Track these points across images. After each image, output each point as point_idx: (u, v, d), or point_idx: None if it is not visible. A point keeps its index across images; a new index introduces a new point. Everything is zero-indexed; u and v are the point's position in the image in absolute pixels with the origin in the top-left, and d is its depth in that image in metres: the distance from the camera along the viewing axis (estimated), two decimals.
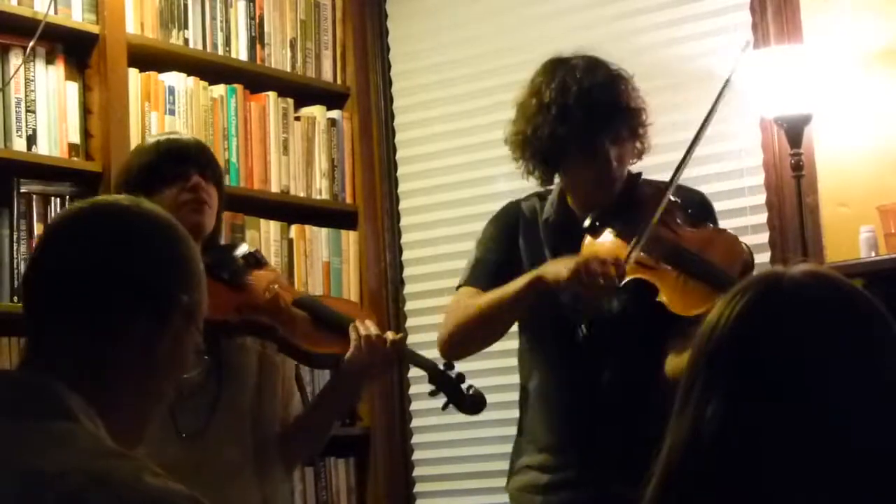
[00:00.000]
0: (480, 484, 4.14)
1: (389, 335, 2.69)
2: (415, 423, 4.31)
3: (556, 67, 2.84)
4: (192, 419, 2.61)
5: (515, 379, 4.01)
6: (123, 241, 1.55)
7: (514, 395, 3.95)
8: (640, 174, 2.91)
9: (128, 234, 1.56)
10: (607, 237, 2.79)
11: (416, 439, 4.32)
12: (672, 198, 2.80)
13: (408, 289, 4.37)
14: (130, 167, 2.74)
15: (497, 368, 3.99)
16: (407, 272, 4.38)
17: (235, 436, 2.65)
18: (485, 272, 2.90)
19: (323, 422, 2.80)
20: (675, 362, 2.67)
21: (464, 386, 2.74)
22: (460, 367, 2.82)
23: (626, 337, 2.79)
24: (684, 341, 2.61)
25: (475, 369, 4.11)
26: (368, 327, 2.67)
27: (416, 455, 4.32)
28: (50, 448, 1.39)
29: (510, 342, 3.12)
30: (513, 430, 3.09)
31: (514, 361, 3.97)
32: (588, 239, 2.79)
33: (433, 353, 4.12)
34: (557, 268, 2.70)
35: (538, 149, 2.83)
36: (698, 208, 2.87)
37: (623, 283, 2.67)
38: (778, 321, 1.35)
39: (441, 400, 2.80)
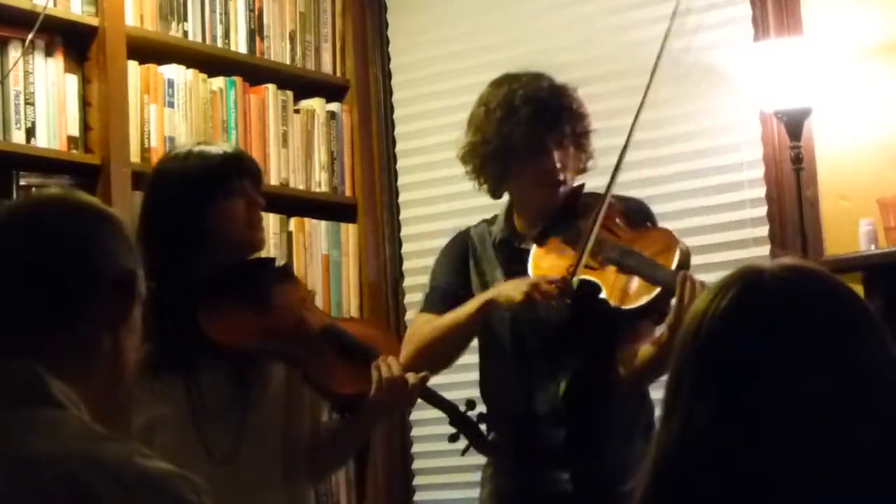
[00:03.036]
0: (479, 476, 4.14)
1: (411, 377, 2.65)
2: (414, 416, 4.30)
3: (503, 81, 3.02)
4: (223, 443, 2.58)
5: None
6: (77, 228, 1.60)
7: None
8: (582, 185, 3.01)
9: (81, 222, 1.61)
10: (554, 245, 2.90)
11: (415, 432, 4.32)
12: (613, 201, 2.91)
13: (407, 281, 4.37)
14: (190, 171, 2.65)
15: None
16: (406, 265, 4.38)
17: (266, 456, 2.63)
18: (438, 299, 3.03)
19: (341, 451, 2.82)
20: (641, 356, 2.83)
21: (483, 427, 2.74)
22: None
23: (572, 344, 2.89)
24: (637, 335, 2.81)
25: (474, 362, 4.12)
26: (391, 367, 2.63)
27: (416, 448, 4.32)
28: (41, 434, 1.41)
29: None
30: None
31: None
32: (535, 248, 2.91)
33: None
34: (509, 291, 2.83)
35: (487, 154, 2.96)
36: (636, 213, 2.98)
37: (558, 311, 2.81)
38: (764, 318, 1.35)
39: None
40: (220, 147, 2.78)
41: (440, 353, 2.97)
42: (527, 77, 2.98)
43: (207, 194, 2.62)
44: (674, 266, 2.76)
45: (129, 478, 1.38)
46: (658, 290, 2.73)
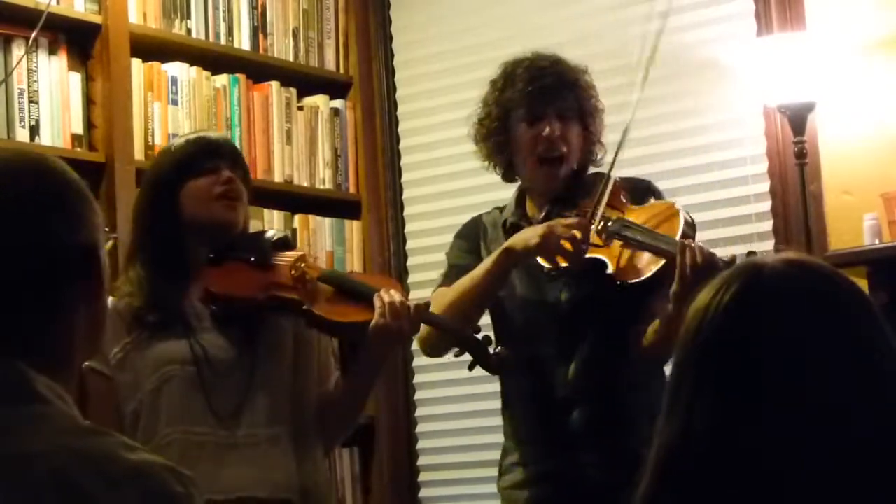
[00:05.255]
0: (484, 473, 4.13)
1: (412, 302, 2.72)
2: (419, 412, 4.31)
3: (509, 61, 3.02)
4: (227, 399, 2.64)
5: None
6: (38, 203, 1.45)
7: None
8: (585, 167, 3.01)
9: (39, 194, 1.46)
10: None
11: (420, 428, 4.32)
12: (618, 180, 2.90)
13: (411, 278, 4.37)
14: (162, 163, 2.79)
15: None
16: (410, 261, 4.38)
17: (271, 414, 2.67)
18: (454, 275, 3.00)
19: (354, 393, 2.82)
20: (650, 334, 2.83)
21: (490, 348, 2.78)
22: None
23: (583, 326, 2.88)
24: (650, 314, 2.80)
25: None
26: (392, 295, 2.69)
27: (421, 444, 4.32)
28: (28, 431, 1.40)
29: None
30: None
31: None
32: None
33: None
34: (526, 236, 2.82)
35: (492, 128, 2.99)
36: (639, 189, 2.97)
37: (580, 260, 2.78)
38: (765, 313, 1.35)
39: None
40: (189, 134, 2.91)
41: (464, 310, 2.92)
42: (532, 54, 3.00)
43: (175, 179, 2.71)
44: (678, 235, 2.75)
45: (116, 472, 1.37)
46: (663, 261, 2.71)
